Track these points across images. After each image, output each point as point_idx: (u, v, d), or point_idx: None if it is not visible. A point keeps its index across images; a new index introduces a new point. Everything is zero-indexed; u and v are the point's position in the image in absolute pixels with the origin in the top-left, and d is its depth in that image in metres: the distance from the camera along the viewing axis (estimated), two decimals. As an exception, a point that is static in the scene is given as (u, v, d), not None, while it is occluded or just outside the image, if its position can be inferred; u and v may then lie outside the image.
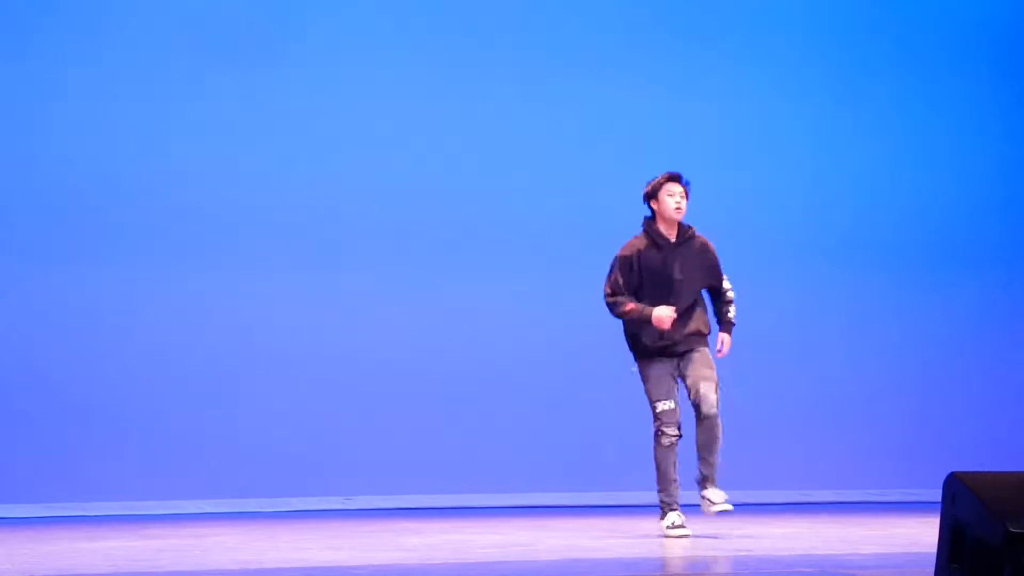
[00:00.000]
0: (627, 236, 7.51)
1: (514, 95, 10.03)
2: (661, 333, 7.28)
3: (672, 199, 7.35)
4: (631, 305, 7.28)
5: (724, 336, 7.53)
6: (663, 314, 7.22)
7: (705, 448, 7.28)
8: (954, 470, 4.20)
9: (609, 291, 7.35)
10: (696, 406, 7.28)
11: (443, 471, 9.63)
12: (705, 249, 7.48)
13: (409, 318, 9.71)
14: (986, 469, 4.30)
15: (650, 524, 7.45)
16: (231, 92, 9.54)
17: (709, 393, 7.25)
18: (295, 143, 9.65)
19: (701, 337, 7.40)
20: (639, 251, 7.35)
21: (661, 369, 7.32)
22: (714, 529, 7.64)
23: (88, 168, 9.31)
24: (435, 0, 9.99)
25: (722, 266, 7.53)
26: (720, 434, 7.27)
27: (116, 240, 9.34)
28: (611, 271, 7.37)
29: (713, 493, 7.24)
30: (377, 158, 9.77)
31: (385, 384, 9.61)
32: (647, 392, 7.32)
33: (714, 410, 7.24)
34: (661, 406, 7.25)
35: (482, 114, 9.95)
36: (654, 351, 7.32)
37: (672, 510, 7.25)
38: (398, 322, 9.69)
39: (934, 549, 4.27)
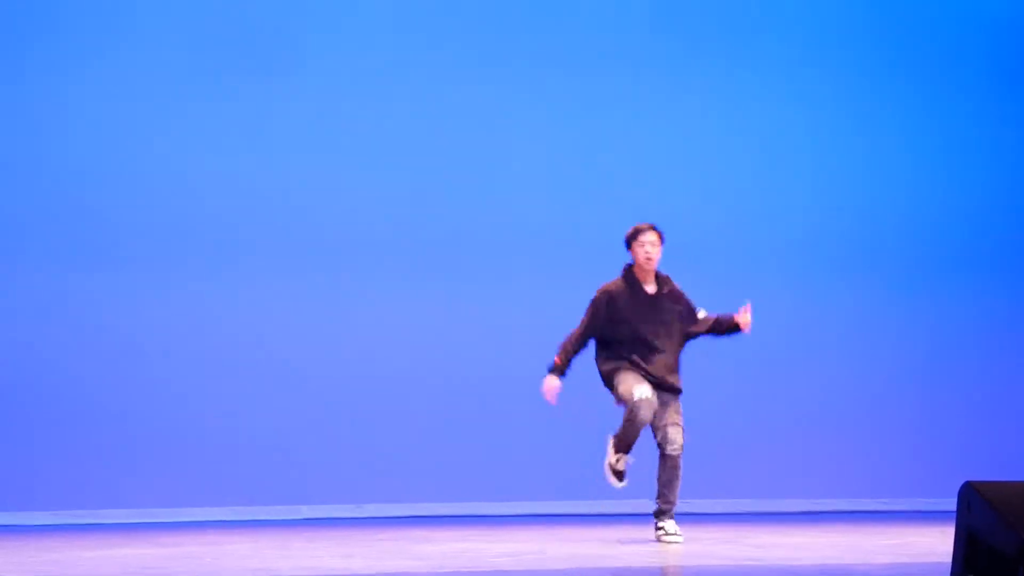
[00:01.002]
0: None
1: (514, 98, 10.02)
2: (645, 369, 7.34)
3: (642, 248, 7.43)
4: (559, 359, 7.43)
5: (739, 314, 7.55)
6: (549, 386, 7.41)
7: (667, 486, 7.37)
8: (968, 479, 4.20)
9: (579, 331, 7.43)
10: (661, 446, 7.37)
11: (455, 479, 9.62)
12: (677, 298, 7.56)
13: (422, 326, 9.71)
14: (1000, 477, 4.29)
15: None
16: (231, 97, 9.55)
17: (677, 436, 7.35)
18: (297, 149, 9.65)
19: (677, 392, 7.47)
20: (610, 294, 7.41)
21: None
22: (725, 538, 7.63)
23: (94, 173, 9.33)
24: (437, 6, 9.99)
25: (692, 299, 7.60)
26: (680, 475, 7.37)
27: (127, 245, 9.35)
28: (586, 310, 7.46)
29: (669, 524, 7.39)
30: (383, 162, 9.77)
31: (397, 392, 9.61)
32: (619, 389, 7.37)
33: (679, 451, 7.35)
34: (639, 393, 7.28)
35: (483, 117, 9.95)
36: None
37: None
38: (411, 330, 9.69)
39: (948, 559, 4.26)
